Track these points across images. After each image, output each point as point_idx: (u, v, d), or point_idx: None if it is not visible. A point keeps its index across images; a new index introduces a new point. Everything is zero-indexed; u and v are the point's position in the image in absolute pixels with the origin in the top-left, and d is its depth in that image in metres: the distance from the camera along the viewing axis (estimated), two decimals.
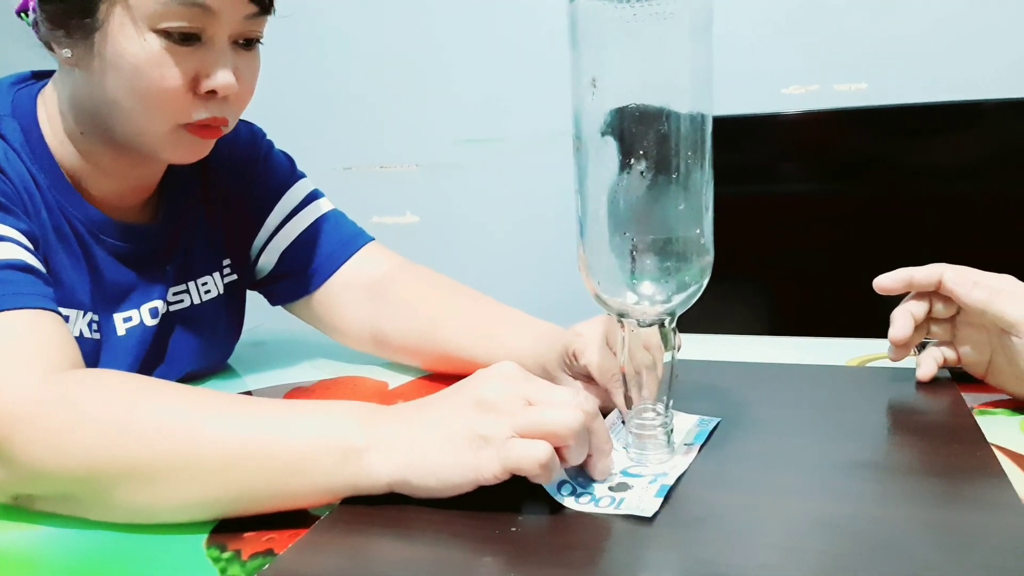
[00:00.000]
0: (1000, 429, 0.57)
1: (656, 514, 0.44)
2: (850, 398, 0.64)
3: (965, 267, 0.63)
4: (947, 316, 0.65)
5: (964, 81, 1.30)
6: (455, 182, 1.63)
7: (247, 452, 0.45)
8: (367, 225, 0.84)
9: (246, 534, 0.45)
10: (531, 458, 0.43)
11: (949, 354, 0.66)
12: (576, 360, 0.60)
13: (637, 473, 0.49)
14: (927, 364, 0.65)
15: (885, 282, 0.64)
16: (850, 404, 0.63)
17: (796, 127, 1.27)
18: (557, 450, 0.45)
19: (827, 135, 1.26)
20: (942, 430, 0.56)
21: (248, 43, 0.63)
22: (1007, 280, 0.61)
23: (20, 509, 0.50)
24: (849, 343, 0.81)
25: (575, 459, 0.46)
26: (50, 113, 0.66)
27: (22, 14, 0.65)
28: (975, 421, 0.57)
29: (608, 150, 0.46)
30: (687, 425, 0.57)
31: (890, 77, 1.35)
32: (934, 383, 0.66)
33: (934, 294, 0.64)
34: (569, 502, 0.46)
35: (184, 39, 0.59)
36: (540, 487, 0.47)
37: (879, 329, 0.67)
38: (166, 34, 0.58)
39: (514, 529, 0.44)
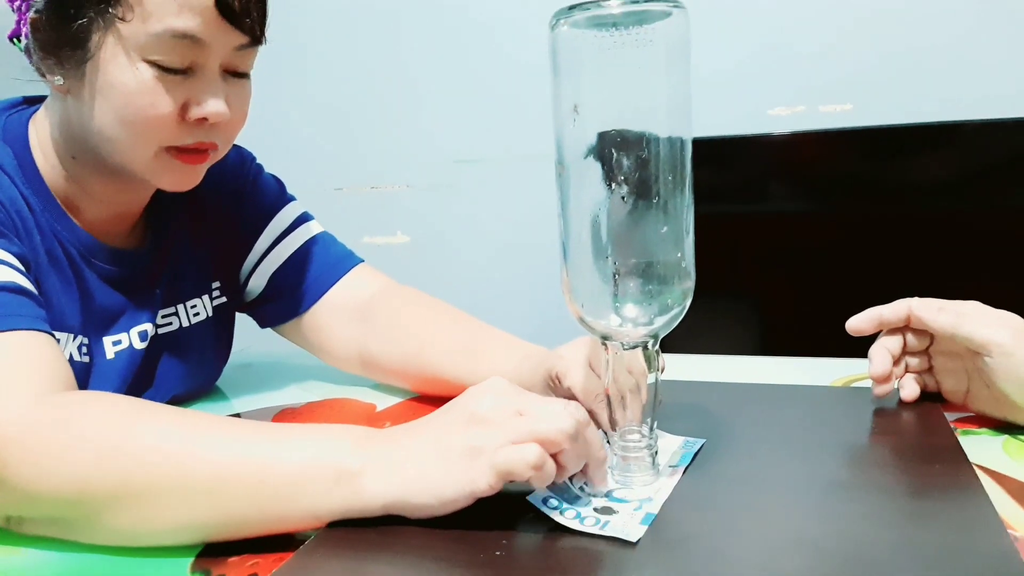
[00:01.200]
0: (982, 449, 0.57)
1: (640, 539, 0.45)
2: (834, 418, 0.65)
3: (930, 298, 0.65)
4: (921, 348, 0.66)
5: (947, 102, 1.32)
6: (445, 202, 1.64)
7: (239, 475, 0.45)
8: (358, 245, 0.85)
9: (230, 559, 0.45)
10: (521, 460, 0.44)
11: (928, 381, 0.67)
12: (560, 382, 0.61)
13: (622, 498, 0.49)
14: (910, 386, 0.66)
15: (856, 324, 0.66)
16: (834, 424, 0.63)
17: (783, 148, 1.28)
18: (554, 457, 0.45)
19: (813, 155, 1.28)
20: (924, 450, 0.57)
21: (239, 73, 0.64)
22: (972, 304, 0.62)
23: (8, 532, 0.50)
24: (834, 363, 0.81)
25: (572, 464, 0.47)
26: (41, 138, 0.66)
27: (14, 40, 0.65)
28: (957, 441, 0.58)
29: (590, 175, 0.47)
30: (672, 447, 0.57)
31: (875, 98, 1.37)
32: (917, 403, 0.66)
33: (906, 328, 0.66)
34: (554, 515, 0.46)
35: (175, 69, 0.59)
36: (527, 506, 0.47)
37: (864, 349, 0.68)
38: (157, 64, 0.59)
39: (498, 553, 0.44)
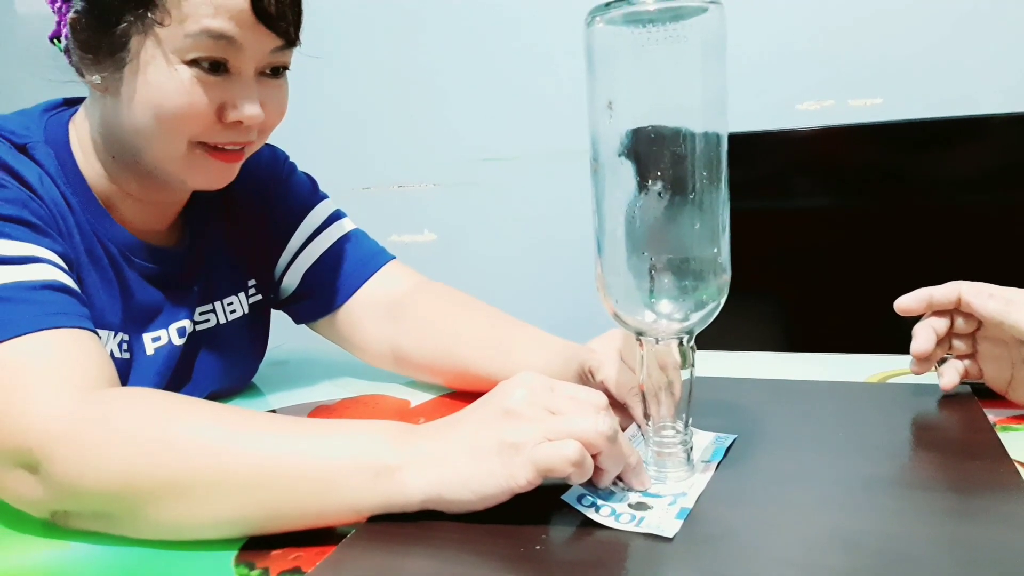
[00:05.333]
0: (1021, 445, 0.56)
1: (675, 534, 0.45)
2: (869, 414, 0.64)
3: (982, 283, 0.63)
4: (968, 331, 0.65)
5: (978, 96, 1.30)
6: (472, 200, 1.65)
7: (280, 470, 0.46)
8: (385, 244, 0.85)
9: (274, 552, 0.46)
10: (562, 457, 0.44)
11: (971, 368, 0.66)
12: (592, 376, 0.61)
13: (656, 493, 0.50)
14: (949, 374, 0.66)
15: (906, 303, 0.65)
16: (869, 420, 0.62)
17: (811, 142, 1.27)
18: (593, 459, 0.46)
19: (842, 150, 1.26)
20: (963, 446, 0.56)
21: (275, 72, 0.65)
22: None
23: (54, 526, 0.51)
24: (869, 359, 0.80)
25: (612, 467, 0.47)
26: (81, 139, 0.67)
27: (54, 40, 0.67)
28: (997, 437, 0.57)
29: (625, 171, 0.47)
30: (703, 442, 0.57)
31: (905, 92, 1.35)
32: (955, 399, 0.66)
33: (955, 311, 0.65)
34: (590, 513, 0.47)
35: (213, 69, 0.60)
36: (562, 503, 0.47)
37: (899, 345, 0.67)
38: (195, 63, 0.60)
39: (537, 547, 0.44)
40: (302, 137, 1.23)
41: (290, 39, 0.63)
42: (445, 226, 1.68)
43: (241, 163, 0.67)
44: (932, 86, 1.34)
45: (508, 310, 0.77)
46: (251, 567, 0.45)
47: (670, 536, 0.44)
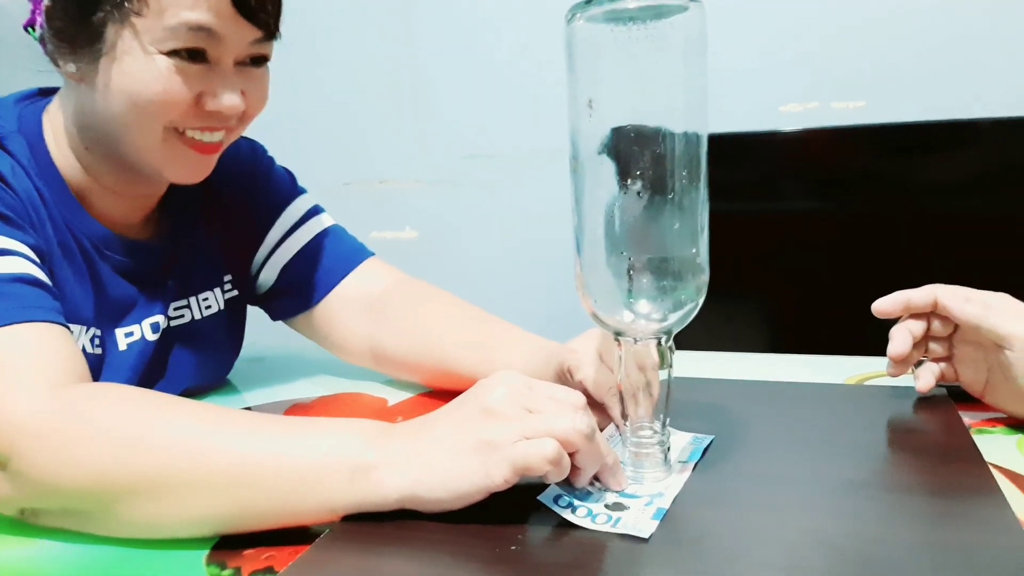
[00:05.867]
0: (997, 448, 0.57)
1: (652, 535, 0.45)
2: (847, 416, 0.64)
3: (959, 286, 0.64)
4: (944, 334, 0.66)
5: (961, 100, 1.31)
6: (454, 198, 1.64)
7: (256, 469, 0.46)
8: (365, 240, 0.85)
9: (246, 551, 0.46)
10: (539, 455, 0.44)
11: (947, 371, 0.66)
12: (571, 376, 0.61)
13: (633, 494, 0.50)
14: (925, 377, 0.66)
15: (883, 306, 0.66)
16: (848, 423, 0.63)
17: (794, 145, 1.28)
18: (570, 457, 0.45)
19: (825, 153, 1.27)
20: (939, 449, 0.57)
21: (256, 61, 0.64)
22: (1001, 297, 0.62)
23: (22, 524, 0.50)
24: (848, 361, 0.81)
25: (589, 465, 0.47)
26: (55, 129, 0.66)
27: (29, 29, 0.66)
28: (972, 440, 0.57)
29: (604, 170, 0.47)
30: (681, 443, 0.57)
31: (888, 95, 1.36)
32: (932, 402, 0.66)
33: (932, 314, 0.65)
34: (566, 514, 0.46)
35: (191, 57, 0.60)
36: (538, 503, 0.47)
37: (878, 347, 0.68)
38: (174, 53, 0.59)
39: (514, 548, 0.44)
40: (281, 131, 1.22)
41: (270, 31, 0.63)
42: (427, 223, 1.68)
43: (219, 155, 0.67)
44: (915, 90, 1.35)
45: (489, 308, 0.77)
46: (223, 566, 0.44)
47: (646, 536, 0.44)
